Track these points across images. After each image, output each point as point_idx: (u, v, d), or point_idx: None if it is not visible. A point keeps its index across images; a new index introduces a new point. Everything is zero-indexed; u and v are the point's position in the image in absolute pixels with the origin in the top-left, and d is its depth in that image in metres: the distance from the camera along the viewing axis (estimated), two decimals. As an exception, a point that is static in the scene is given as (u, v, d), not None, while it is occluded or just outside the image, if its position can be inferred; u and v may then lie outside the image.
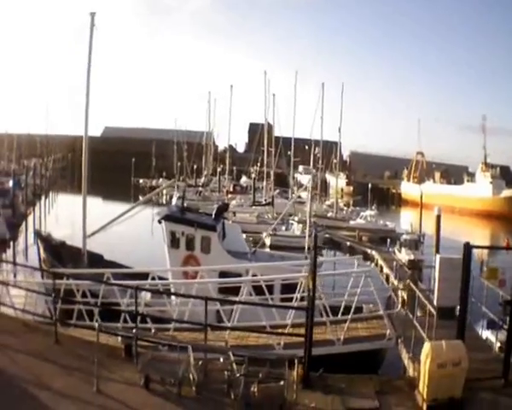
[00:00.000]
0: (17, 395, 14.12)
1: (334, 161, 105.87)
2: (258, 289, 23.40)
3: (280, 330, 20.89)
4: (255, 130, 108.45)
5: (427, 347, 15.04)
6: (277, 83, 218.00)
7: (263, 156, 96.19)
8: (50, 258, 32.07)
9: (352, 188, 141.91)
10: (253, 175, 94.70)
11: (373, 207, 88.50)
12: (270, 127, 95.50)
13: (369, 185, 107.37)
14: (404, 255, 55.26)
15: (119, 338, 17.88)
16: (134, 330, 17.52)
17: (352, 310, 22.45)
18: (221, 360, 15.80)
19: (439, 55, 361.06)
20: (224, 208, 37.40)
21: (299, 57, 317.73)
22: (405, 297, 30.67)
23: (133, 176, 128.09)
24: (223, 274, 27.33)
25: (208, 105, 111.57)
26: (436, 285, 24.47)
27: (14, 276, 27.46)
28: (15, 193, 68.47)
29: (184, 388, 14.99)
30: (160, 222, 31.45)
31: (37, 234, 34.49)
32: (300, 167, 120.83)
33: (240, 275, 26.62)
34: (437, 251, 39.38)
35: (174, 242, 30.68)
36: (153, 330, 19.53)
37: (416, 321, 20.04)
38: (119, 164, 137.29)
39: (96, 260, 32.94)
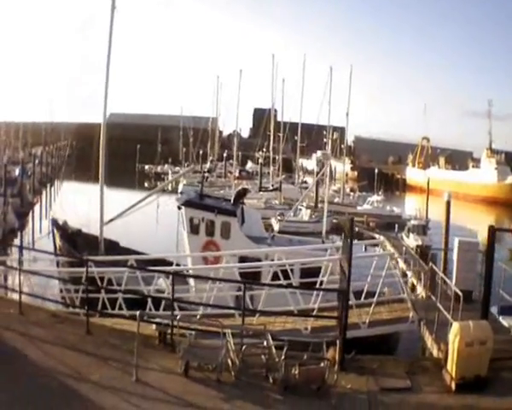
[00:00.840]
0: (56, 389, 13.78)
1: (342, 146, 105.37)
2: (276, 275, 23.84)
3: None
4: (260, 115, 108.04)
5: (455, 327, 15.31)
6: (285, 67, 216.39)
7: (268, 142, 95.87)
8: (67, 246, 31.94)
9: (356, 173, 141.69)
10: (259, 160, 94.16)
11: (379, 193, 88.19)
12: (276, 112, 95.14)
13: (376, 171, 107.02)
14: (412, 241, 55.11)
15: (154, 326, 17.55)
16: (176, 317, 17.36)
17: (377, 293, 22.60)
18: (265, 343, 15.68)
19: (445, 40, 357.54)
20: (243, 194, 36.94)
21: (309, 40, 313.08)
22: (415, 282, 30.61)
23: (138, 162, 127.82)
24: (242, 259, 27.23)
25: (216, 89, 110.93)
26: (455, 268, 25.80)
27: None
28: (23, 182, 67.94)
29: (223, 373, 14.92)
30: (179, 208, 31.42)
31: (54, 222, 34.19)
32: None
33: (259, 260, 27.08)
34: (447, 237, 39.39)
35: (194, 227, 30.59)
36: (198, 316, 19.36)
37: (431, 304, 20.78)
38: (124, 150, 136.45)
39: (113, 247, 32.77)
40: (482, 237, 34.00)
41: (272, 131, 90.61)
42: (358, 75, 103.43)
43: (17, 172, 72.59)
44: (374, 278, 23.47)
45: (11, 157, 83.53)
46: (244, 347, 15.74)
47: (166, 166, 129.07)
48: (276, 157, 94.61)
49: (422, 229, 58.08)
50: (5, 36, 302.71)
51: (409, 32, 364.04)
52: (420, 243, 53.09)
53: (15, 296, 20.47)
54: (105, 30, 31.88)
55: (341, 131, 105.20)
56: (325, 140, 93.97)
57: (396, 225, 65.01)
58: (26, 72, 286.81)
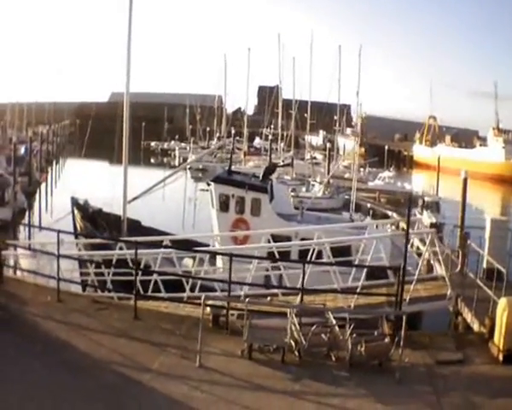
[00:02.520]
0: (116, 381, 12.67)
1: (352, 123, 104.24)
2: (303, 253, 23.48)
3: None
4: (265, 93, 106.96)
5: (503, 302, 15.78)
6: (293, 44, 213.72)
7: (275, 119, 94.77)
8: (90, 227, 30.71)
9: (363, 149, 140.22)
10: (269, 137, 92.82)
11: (391, 169, 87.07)
12: (278, 90, 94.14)
13: (386, 147, 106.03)
14: (426, 218, 52.72)
15: (208, 308, 16.38)
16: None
17: (418, 270, 22.22)
18: (333, 321, 15.45)
19: (451, 20, 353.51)
20: (272, 169, 35.80)
21: (317, 18, 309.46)
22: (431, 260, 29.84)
23: (143, 139, 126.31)
24: (273, 238, 25.55)
25: (224, 67, 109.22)
26: (486, 247, 25.39)
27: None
28: (30, 160, 66.48)
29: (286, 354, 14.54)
30: (208, 184, 30.41)
31: (74, 202, 32.77)
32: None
33: (289, 238, 26.41)
34: (463, 215, 38.11)
35: (223, 205, 29.58)
36: (269, 298, 18.32)
37: (466, 282, 22.22)
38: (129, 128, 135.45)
39: (134, 226, 31.51)
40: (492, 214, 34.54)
41: (280, 108, 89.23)
42: (365, 53, 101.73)
43: (22, 150, 70.88)
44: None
45: (19, 137, 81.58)
46: (314, 326, 15.17)
47: (173, 142, 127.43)
48: (284, 133, 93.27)
49: (436, 206, 57.34)
50: (7, 16, 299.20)
51: (415, 10, 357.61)
52: (434, 220, 51.48)
53: (43, 282, 19.52)
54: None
55: (346, 108, 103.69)
56: (335, 117, 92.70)
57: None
58: (27, 51, 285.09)
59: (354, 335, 14.56)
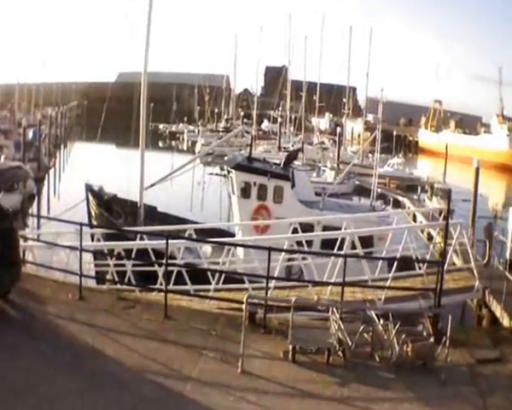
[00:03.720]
0: (152, 394, 11.50)
1: (361, 106, 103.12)
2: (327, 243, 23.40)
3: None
4: (272, 73, 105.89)
5: None
6: (301, 25, 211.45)
7: (283, 101, 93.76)
8: (106, 214, 29.74)
9: (369, 134, 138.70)
10: (279, 120, 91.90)
11: (400, 155, 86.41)
12: (286, 71, 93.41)
13: (394, 133, 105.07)
14: (435, 205, 53.80)
15: (243, 305, 15.27)
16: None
17: (447, 262, 20.96)
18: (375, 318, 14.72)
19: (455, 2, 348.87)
20: (293, 156, 35.48)
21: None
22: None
23: (151, 121, 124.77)
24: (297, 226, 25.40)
25: (234, 47, 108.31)
26: (510, 237, 25.84)
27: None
28: (40, 145, 65.27)
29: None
30: (229, 172, 30.01)
31: (88, 188, 31.71)
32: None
33: (311, 226, 26.21)
34: (475, 205, 38.92)
35: (245, 192, 29.23)
36: (315, 298, 16.72)
37: (493, 273, 22.10)
38: (135, 110, 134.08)
39: (151, 212, 31.16)
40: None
41: (289, 89, 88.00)
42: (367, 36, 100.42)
43: (31, 134, 69.51)
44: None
45: (29, 120, 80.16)
46: (360, 325, 14.38)
47: (181, 125, 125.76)
48: (292, 116, 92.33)
49: (448, 193, 55.93)
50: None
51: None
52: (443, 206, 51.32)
53: (61, 277, 18.41)
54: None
55: (353, 90, 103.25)
56: (344, 100, 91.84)
57: (419, 188, 63.95)
58: (35, 31, 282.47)
59: (400, 334, 13.89)
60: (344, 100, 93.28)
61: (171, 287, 17.02)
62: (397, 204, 55.46)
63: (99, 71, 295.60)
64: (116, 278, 20.73)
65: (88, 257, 21.18)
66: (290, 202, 28.94)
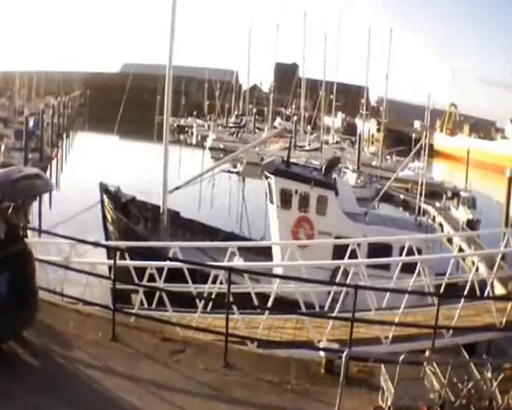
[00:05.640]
0: None
1: (381, 108, 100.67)
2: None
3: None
4: (282, 70, 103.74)
5: None
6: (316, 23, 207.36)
7: (297, 99, 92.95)
8: (125, 220, 26.79)
9: (383, 135, 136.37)
10: (294, 118, 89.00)
11: (421, 159, 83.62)
12: (297, 68, 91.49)
13: (413, 136, 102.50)
14: (462, 214, 52.06)
15: (322, 353, 12.60)
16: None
17: None
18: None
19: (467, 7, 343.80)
20: (335, 162, 32.68)
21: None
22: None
23: (158, 114, 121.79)
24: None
25: (248, 42, 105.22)
26: None
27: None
28: (42, 134, 62.06)
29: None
30: (267, 177, 27.02)
31: (103, 188, 28.26)
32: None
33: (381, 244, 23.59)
34: (507, 214, 36.96)
35: (285, 201, 26.25)
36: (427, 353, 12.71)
37: None
38: (141, 102, 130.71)
39: (174, 218, 28.57)
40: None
41: (303, 87, 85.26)
42: (381, 35, 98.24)
43: (31, 123, 66.16)
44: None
45: (31, 109, 77.29)
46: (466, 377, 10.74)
47: (190, 118, 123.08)
48: (306, 114, 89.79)
49: (472, 202, 54.94)
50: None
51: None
52: (470, 217, 50.74)
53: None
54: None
55: (363, 90, 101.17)
56: (363, 100, 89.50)
57: (444, 195, 61.63)
58: (37, 18, 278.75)
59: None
60: (362, 100, 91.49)
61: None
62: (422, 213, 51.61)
63: (101, 61, 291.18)
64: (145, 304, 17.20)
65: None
66: (334, 214, 26.09)
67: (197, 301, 17.12)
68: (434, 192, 63.58)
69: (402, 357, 10.76)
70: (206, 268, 18.17)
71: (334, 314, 16.31)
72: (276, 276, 18.91)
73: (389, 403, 10.24)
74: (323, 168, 29.22)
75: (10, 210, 11.49)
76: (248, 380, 11.67)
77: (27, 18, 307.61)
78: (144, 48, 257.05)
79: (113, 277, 13.60)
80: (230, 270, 13.09)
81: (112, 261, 13.87)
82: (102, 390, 10.45)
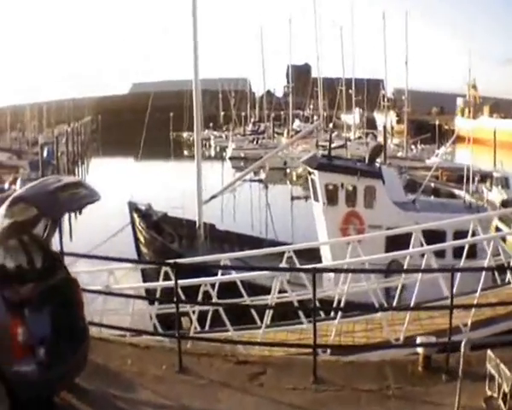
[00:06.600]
0: None
1: (403, 97, 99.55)
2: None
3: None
4: (296, 72, 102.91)
5: None
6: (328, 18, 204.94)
7: (314, 99, 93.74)
8: (160, 239, 25.91)
9: (402, 126, 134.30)
10: (315, 118, 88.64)
11: (446, 145, 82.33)
12: (310, 68, 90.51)
13: (437, 122, 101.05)
14: (496, 195, 50.40)
15: (419, 348, 11.22)
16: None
17: None
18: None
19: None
20: (379, 150, 31.72)
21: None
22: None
23: (172, 130, 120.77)
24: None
25: (260, 44, 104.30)
26: None
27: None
28: (58, 163, 61.12)
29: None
30: (310, 173, 25.69)
31: (132, 207, 27.07)
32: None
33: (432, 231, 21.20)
34: None
35: (331, 197, 24.80)
36: None
37: None
38: (153, 120, 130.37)
39: (210, 231, 27.40)
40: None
41: (320, 87, 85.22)
42: (394, 24, 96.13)
43: (45, 152, 65.40)
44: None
45: (46, 140, 76.76)
46: None
47: (207, 131, 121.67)
48: (324, 114, 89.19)
49: (506, 181, 53.14)
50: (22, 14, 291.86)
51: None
52: (505, 196, 48.88)
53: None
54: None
55: (381, 83, 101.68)
56: (383, 92, 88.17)
57: (476, 178, 59.36)
58: (44, 50, 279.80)
59: None
60: (382, 92, 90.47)
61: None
62: (452, 196, 51.50)
63: (110, 84, 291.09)
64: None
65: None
66: (384, 205, 24.59)
67: (253, 313, 15.93)
68: (462, 177, 62.60)
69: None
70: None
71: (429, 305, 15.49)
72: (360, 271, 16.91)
73: (507, 389, 8.96)
74: (367, 158, 27.70)
75: (48, 229, 9.62)
76: (344, 393, 10.16)
77: (33, 51, 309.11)
78: (152, 66, 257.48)
79: (175, 298, 11.66)
80: (315, 271, 11.41)
81: (172, 282, 12.12)
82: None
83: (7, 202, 8.81)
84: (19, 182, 49.25)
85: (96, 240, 23.89)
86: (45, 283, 8.95)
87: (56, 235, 10.23)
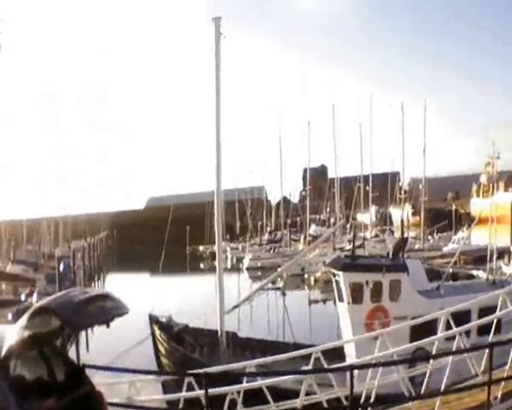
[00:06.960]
0: None
1: (420, 186, 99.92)
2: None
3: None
4: (312, 175, 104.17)
5: None
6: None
7: (330, 200, 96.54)
8: (181, 349, 25.89)
9: (418, 218, 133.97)
10: (332, 221, 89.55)
11: (464, 229, 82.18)
12: (326, 169, 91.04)
13: (454, 207, 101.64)
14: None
15: None
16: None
17: None
18: None
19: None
20: (404, 244, 31.27)
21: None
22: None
23: (188, 244, 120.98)
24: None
25: (279, 150, 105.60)
26: None
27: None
28: (75, 277, 61.14)
29: None
30: (333, 275, 25.66)
31: (153, 319, 27.10)
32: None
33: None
34: None
35: (355, 295, 24.75)
36: None
37: None
38: (169, 234, 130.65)
39: (232, 339, 27.44)
40: None
41: (337, 188, 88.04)
42: (409, 114, 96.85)
43: (61, 267, 65.64)
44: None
45: (62, 254, 77.42)
46: None
47: (224, 243, 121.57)
48: (341, 215, 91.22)
49: None
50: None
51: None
52: None
53: None
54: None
55: (397, 176, 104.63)
56: (399, 184, 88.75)
57: (494, 256, 59.29)
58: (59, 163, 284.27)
59: None
60: (399, 183, 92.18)
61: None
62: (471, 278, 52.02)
63: (125, 199, 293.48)
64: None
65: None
66: (409, 296, 24.64)
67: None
68: (481, 257, 61.74)
69: None
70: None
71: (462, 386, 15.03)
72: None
73: None
74: (391, 252, 28.47)
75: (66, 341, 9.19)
76: None
77: (50, 165, 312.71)
78: (167, 180, 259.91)
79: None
80: (352, 368, 11.02)
81: (198, 392, 11.62)
82: None
83: (28, 313, 8.57)
84: (35, 295, 49.03)
85: (112, 353, 23.34)
86: (68, 396, 8.48)
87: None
